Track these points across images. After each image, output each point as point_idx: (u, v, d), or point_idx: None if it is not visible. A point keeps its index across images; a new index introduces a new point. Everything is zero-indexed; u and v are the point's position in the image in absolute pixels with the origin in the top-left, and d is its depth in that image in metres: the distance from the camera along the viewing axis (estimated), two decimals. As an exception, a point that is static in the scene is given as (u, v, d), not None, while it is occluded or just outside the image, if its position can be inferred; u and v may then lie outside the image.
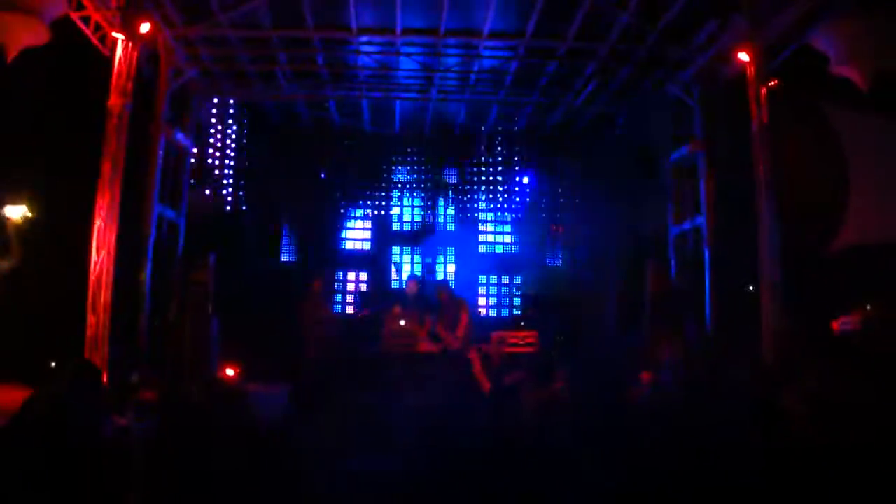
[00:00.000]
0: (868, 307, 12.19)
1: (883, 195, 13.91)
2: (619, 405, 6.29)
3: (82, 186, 12.52)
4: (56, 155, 13.30)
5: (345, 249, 21.53)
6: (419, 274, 20.65)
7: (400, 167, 20.98)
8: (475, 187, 20.61)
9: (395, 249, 21.71)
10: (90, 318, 11.92)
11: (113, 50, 12.54)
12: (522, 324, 16.30)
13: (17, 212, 12.54)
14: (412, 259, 21.73)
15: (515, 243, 21.95)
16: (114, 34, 12.48)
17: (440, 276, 20.90)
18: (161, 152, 14.27)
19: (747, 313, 13.71)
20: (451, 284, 19.54)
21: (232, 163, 18.40)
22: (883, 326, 11.59)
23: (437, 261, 21.52)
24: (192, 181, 16.41)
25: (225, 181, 18.21)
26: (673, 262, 17.06)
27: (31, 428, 4.70)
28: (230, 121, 18.34)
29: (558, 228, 21.01)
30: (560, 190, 20.20)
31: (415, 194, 21.32)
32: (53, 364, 10.65)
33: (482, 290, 21.45)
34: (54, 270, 13.11)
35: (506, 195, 20.69)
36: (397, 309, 14.37)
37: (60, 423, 4.71)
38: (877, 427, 5.53)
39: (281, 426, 4.96)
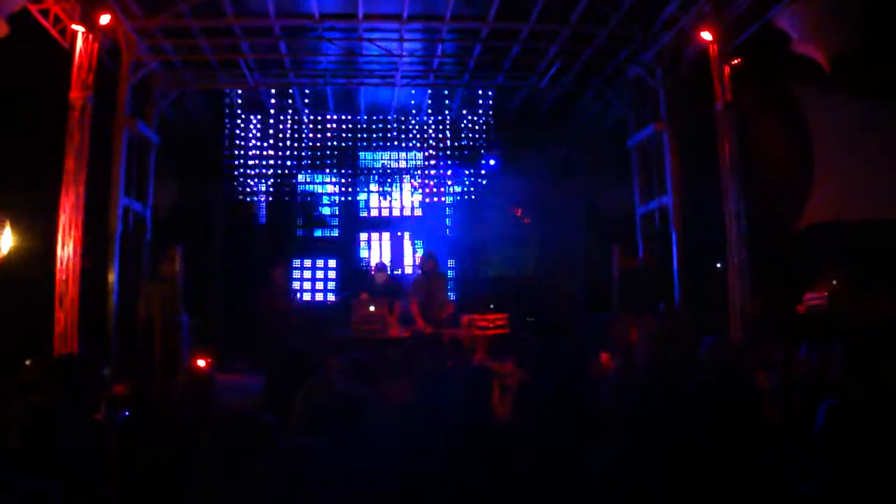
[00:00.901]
0: (834, 283, 12.35)
1: (847, 173, 14.08)
2: (586, 387, 6.32)
3: (47, 181, 12.41)
4: (18, 150, 13.16)
5: (312, 236, 21.47)
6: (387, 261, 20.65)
7: (365, 153, 20.91)
8: (441, 171, 20.60)
9: (363, 235, 21.68)
10: (58, 314, 11.84)
11: (73, 43, 12.41)
12: (492, 306, 16.33)
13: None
14: (380, 244, 21.70)
15: (482, 227, 21.96)
16: (73, 26, 12.34)
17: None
18: (125, 145, 14.18)
19: (715, 291, 13.85)
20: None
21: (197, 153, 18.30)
22: (848, 302, 11.75)
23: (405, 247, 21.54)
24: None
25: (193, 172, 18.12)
26: (640, 242, 17.19)
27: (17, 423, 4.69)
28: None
29: (525, 210, 21.05)
30: (526, 171, 20.18)
31: (381, 180, 21.27)
32: (28, 362, 10.56)
33: (450, 274, 21.44)
34: (19, 267, 12.98)
35: (472, 179, 20.71)
36: (365, 295, 14.36)
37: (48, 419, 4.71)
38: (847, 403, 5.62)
39: (251, 416, 4.95)
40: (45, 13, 12.16)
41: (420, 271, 14.91)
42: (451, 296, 19.26)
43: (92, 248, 12.75)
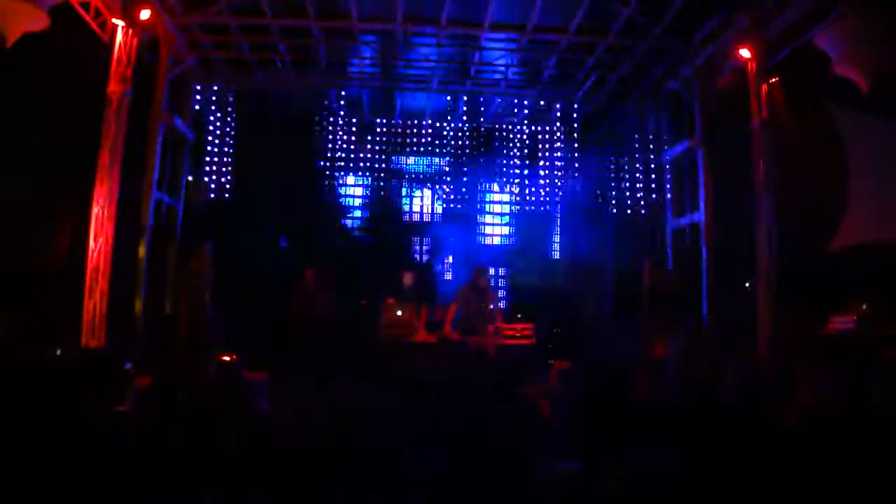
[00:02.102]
0: (864, 306, 12.21)
1: (882, 195, 13.93)
2: (617, 402, 6.25)
3: (81, 172, 12.50)
4: (55, 140, 13.25)
5: (342, 238, 21.43)
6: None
7: (399, 157, 20.88)
8: (474, 178, 20.55)
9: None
10: (87, 305, 11.91)
11: (112, 36, 12.51)
12: (519, 316, 16.22)
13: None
14: (411, 248, 21.66)
15: (513, 235, 21.92)
16: (114, 20, 12.44)
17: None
18: (160, 139, 14.27)
19: (744, 309, 13.74)
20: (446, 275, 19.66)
21: (231, 150, 18.27)
22: (878, 326, 11.61)
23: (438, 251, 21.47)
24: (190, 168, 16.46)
25: (224, 168, 18.09)
26: (670, 258, 17.10)
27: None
28: (230, 108, 18.22)
29: (556, 220, 20.99)
30: (559, 182, 20.12)
31: (414, 185, 21.24)
32: (59, 351, 10.62)
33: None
34: (52, 255, 13.09)
35: (505, 187, 20.66)
36: (391, 300, 14.28)
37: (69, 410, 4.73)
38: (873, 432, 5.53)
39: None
40: (85, 6, 12.23)
41: (469, 283, 13.84)
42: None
43: (123, 241, 12.81)
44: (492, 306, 13.85)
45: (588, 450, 4.88)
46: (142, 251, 13.63)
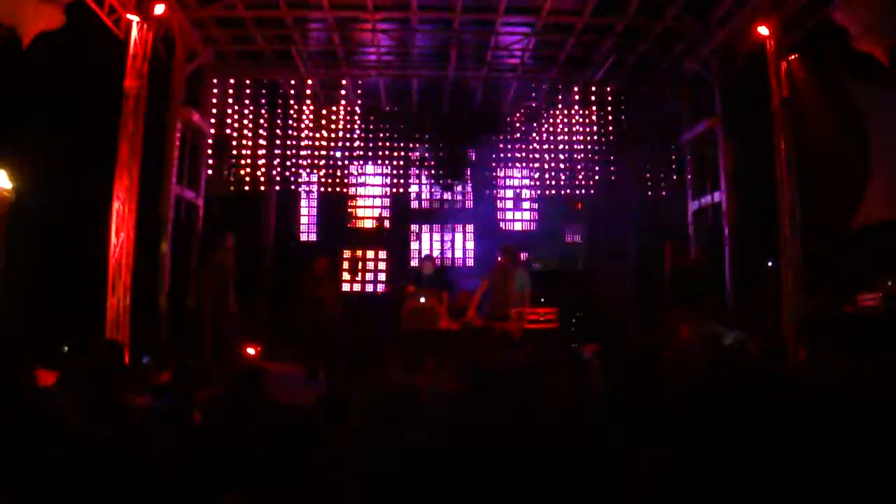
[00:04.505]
0: (889, 283, 12.07)
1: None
2: (647, 382, 6.19)
3: (101, 169, 12.54)
4: (74, 137, 13.30)
5: (363, 228, 21.48)
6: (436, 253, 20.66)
7: (418, 145, 20.77)
8: (494, 164, 20.47)
9: (414, 227, 21.68)
10: (110, 300, 11.96)
11: (128, 32, 12.54)
12: (542, 300, 16.18)
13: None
14: (430, 237, 21.69)
15: (535, 220, 21.89)
16: (128, 16, 12.46)
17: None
18: (178, 134, 14.32)
19: (767, 289, 13.66)
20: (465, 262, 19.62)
21: (249, 142, 18.28)
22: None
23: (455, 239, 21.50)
24: (210, 161, 16.54)
25: (243, 161, 18.12)
26: (692, 238, 17.03)
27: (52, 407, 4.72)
28: (247, 100, 18.21)
29: (577, 205, 20.92)
30: (579, 166, 20.00)
31: (433, 172, 21.16)
32: (66, 347, 10.66)
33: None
34: (74, 253, 13.13)
35: (524, 172, 20.59)
36: (411, 287, 14.26)
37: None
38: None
39: (299, 406, 4.94)
40: (100, 3, 12.25)
41: (497, 265, 14.22)
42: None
43: (144, 236, 12.86)
44: (519, 286, 13.74)
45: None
46: (164, 246, 13.71)
